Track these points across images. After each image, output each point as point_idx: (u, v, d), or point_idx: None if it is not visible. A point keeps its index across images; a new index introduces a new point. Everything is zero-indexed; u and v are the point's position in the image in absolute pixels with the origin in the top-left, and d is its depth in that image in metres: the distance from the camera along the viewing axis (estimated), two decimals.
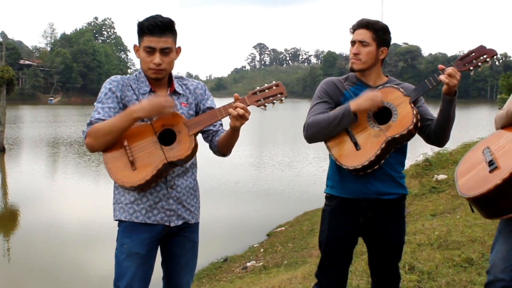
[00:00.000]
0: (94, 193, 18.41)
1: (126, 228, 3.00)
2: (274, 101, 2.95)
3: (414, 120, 3.08)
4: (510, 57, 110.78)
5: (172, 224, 3.02)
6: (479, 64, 3.10)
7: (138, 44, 2.96)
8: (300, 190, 19.12)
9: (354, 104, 3.10)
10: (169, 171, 2.96)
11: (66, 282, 9.93)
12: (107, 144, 2.84)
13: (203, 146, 3.16)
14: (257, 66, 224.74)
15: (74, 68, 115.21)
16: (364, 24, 3.25)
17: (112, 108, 2.92)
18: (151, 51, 2.87)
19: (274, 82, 3.00)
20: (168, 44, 2.89)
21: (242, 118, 2.83)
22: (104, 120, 2.85)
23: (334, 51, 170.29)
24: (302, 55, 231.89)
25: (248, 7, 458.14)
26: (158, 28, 2.84)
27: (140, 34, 2.90)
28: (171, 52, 2.92)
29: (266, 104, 2.94)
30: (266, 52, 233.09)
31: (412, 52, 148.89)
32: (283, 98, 2.97)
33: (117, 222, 3.06)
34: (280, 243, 12.20)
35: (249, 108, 2.88)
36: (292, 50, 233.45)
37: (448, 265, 5.91)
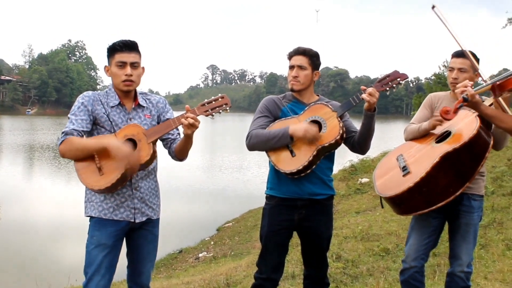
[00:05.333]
0: (65, 192, 17.87)
1: (96, 222, 2.98)
2: (220, 111, 2.99)
3: (341, 132, 3.14)
4: (421, 80, 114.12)
5: (137, 221, 3.02)
6: (394, 85, 3.20)
7: (108, 65, 2.98)
8: (245, 191, 19.13)
9: (292, 129, 3.13)
10: (134, 175, 2.95)
11: (41, 271, 9.63)
12: (76, 157, 2.84)
13: (164, 152, 3.16)
14: (210, 84, 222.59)
15: (49, 84, 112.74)
16: (301, 51, 3.31)
17: (84, 119, 2.91)
18: (122, 65, 2.91)
19: (220, 94, 3.02)
20: (136, 59, 2.94)
21: (192, 127, 2.86)
22: (78, 131, 2.86)
23: (275, 73, 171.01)
24: (248, 76, 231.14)
25: (203, 30, 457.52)
26: (127, 46, 2.91)
27: (112, 53, 2.93)
28: (138, 66, 2.97)
29: (213, 114, 2.96)
30: (217, 72, 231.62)
31: (342, 75, 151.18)
32: (228, 108, 3.00)
33: (88, 217, 3.04)
34: (228, 236, 12.17)
35: (201, 118, 2.91)
36: (240, 71, 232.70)
37: (369, 254, 6.03)
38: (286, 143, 3.16)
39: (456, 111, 2.65)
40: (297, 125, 3.16)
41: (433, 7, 3.05)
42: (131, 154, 2.76)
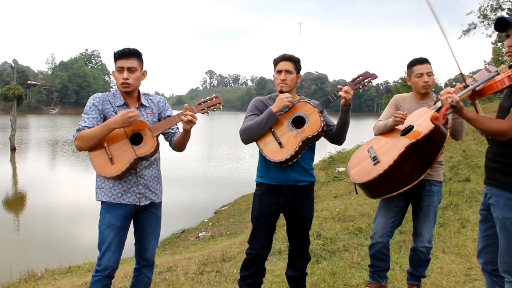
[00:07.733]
0: (83, 180, 17.78)
1: (106, 206, 3.01)
2: (214, 109, 3.03)
3: (322, 125, 3.16)
4: (390, 83, 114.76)
5: (142, 204, 3.04)
6: (366, 84, 3.25)
7: (114, 70, 3.02)
8: (239, 178, 19.14)
9: (274, 107, 3.19)
10: (138, 164, 2.99)
11: (63, 249, 9.63)
12: (91, 146, 2.86)
13: (167, 145, 3.19)
14: (208, 87, 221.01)
15: (69, 87, 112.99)
16: (287, 58, 3.32)
17: (95, 118, 2.93)
18: (121, 70, 2.95)
19: (214, 95, 3.05)
20: (133, 65, 2.96)
21: (191, 122, 2.91)
22: (89, 127, 2.88)
23: (265, 76, 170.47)
24: (241, 79, 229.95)
25: (202, 40, 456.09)
26: (125, 54, 2.95)
27: (115, 60, 2.97)
28: (136, 71, 2.98)
29: (208, 111, 3.00)
30: (214, 77, 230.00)
31: (322, 78, 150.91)
32: (221, 107, 3.05)
33: (99, 202, 3.06)
34: (224, 218, 12.16)
35: (197, 115, 2.96)
36: (234, 75, 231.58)
37: (345, 233, 6.05)
38: (273, 121, 3.18)
39: (444, 116, 2.46)
40: (276, 103, 3.20)
41: None
42: (132, 111, 2.81)
